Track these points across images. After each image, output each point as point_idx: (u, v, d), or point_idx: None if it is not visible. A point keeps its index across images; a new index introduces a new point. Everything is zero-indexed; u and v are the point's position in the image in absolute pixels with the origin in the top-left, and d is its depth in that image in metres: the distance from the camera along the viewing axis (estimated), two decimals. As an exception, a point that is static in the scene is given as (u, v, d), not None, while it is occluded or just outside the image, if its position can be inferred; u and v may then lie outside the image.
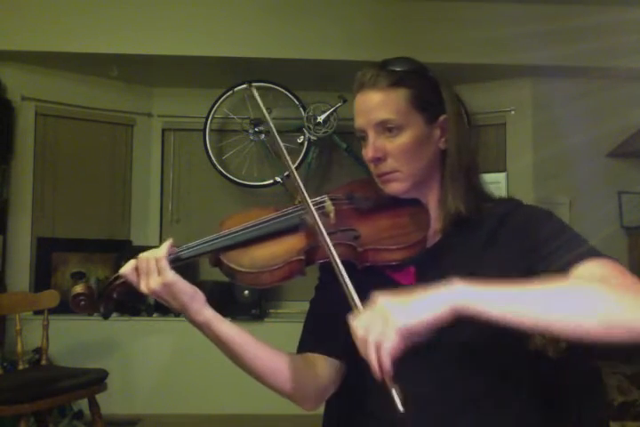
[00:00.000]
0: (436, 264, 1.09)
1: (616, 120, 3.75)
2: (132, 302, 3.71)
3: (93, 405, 2.76)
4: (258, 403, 2.99)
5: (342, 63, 3.52)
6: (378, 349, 0.82)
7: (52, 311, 3.02)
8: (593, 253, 0.96)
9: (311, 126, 3.84)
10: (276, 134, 1.14)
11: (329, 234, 1.01)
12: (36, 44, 3.51)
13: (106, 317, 1.09)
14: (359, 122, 1.12)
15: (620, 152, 3.81)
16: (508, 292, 0.87)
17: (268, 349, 1.09)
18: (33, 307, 3.15)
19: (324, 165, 4.21)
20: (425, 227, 1.11)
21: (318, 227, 1.02)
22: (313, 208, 1.04)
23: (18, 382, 2.69)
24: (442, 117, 1.12)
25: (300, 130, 3.87)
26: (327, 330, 1.15)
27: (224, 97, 3.92)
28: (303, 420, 1.69)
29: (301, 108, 3.89)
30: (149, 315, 3.80)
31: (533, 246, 1.02)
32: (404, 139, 1.09)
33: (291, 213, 1.11)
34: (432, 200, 1.15)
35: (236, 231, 1.07)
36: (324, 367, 1.14)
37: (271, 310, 3.99)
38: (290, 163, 1.11)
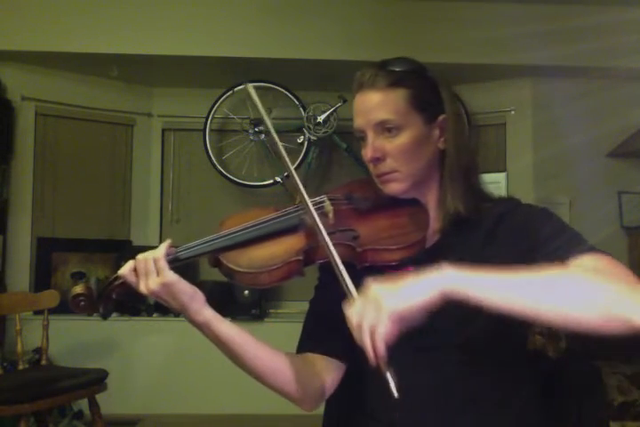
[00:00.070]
0: (435, 264, 1.09)
1: (616, 120, 3.75)
2: (132, 303, 3.71)
3: (93, 405, 2.76)
4: (258, 403, 2.99)
5: (342, 63, 3.52)
6: (372, 334, 0.84)
7: (52, 311, 3.02)
8: (591, 250, 0.97)
9: (311, 126, 3.84)
10: (273, 132, 1.14)
11: (328, 234, 1.01)
12: (36, 44, 3.51)
13: (105, 317, 1.09)
14: (358, 122, 1.12)
15: (620, 152, 3.81)
16: (499, 278, 0.88)
17: (267, 349, 1.09)
18: (33, 307, 3.15)
19: (324, 165, 4.21)
20: (424, 227, 1.11)
21: (317, 227, 1.02)
22: (312, 208, 1.04)
23: (18, 382, 2.69)
24: (441, 117, 1.12)
25: (300, 130, 3.87)
26: (327, 330, 1.15)
27: (224, 97, 3.92)
28: (303, 420, 1.69)
29: (301, 108, 3.89)
30: (149, 315, 3.80)
31: (533, 246, 1.02)
32: (403, 139, 1.09)
33: (290, 213, 1.11)
34: (431, 200, 1.15)
35: (235, 232, 1.07)
36: (323, 367, 1.14)
37: (271, 310, 3.99)
38: (287, 161, 1.11)
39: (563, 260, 0.95)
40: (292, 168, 1.11)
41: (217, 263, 1.06)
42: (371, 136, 1.10)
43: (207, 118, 3.95)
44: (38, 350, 3.14)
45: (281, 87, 3.89)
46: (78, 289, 1.05)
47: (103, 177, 4.14)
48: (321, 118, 3.82)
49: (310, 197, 1.07)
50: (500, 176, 3.85)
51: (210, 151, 3.96)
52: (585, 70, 3.67)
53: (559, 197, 3.78)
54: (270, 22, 3.61)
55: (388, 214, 1.12)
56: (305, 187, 1.07)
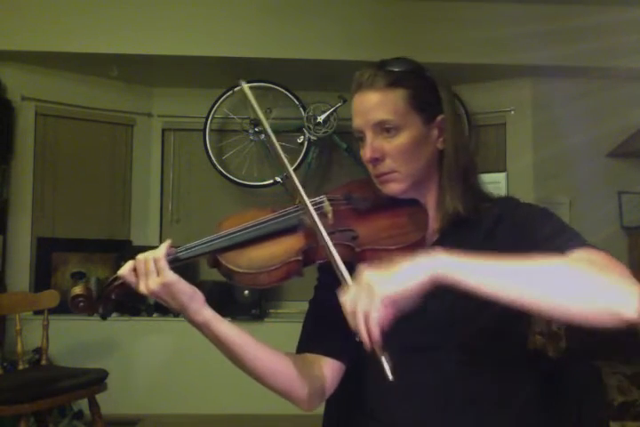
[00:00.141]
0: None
1: (616, 120, 3.75)
2: (132, 303, 3.71)
3: (93, 405, 2.76)
4: (258, 403, 2.99)
5: (342, 63, 3.52)
6: (366, 319, 0.85)
7: (52, 311, 3.02)
8: (588, 246, 0.97)
9: (311, 126, 3.84)
10: (270, 132, 1.13)
11: (327, 234, 1.01)
12: (36, 44, 3.51)
13: (104, 317, 1.09)
14: (357, 122, 1.12)
15: (620, 152, 3.81)
16: (490, 264, 0.88)
17: (267, 349, 1.09)
18: (33, 307, 3.15)
19: (323, 165, 4.22)
20: (423, 227, 1.11)
21: (317, 227, 1.02)
22: (312, 208, 1.04)
23: (18, 382, 2.70)
24: (439, 117, 1.12)
25: (300, 130, 3.87)
26: (326, 330, 1.15)
27: (224, 97, 3.92)
28: (303, 420, 1.69)
29: (301, 108, 3.89)
30: (149, 315, 3.80)
31: (532, 245, 1.02)
32: (401, 139, 1.09)
33: (289, 213, 1.11)
34: (430, 200, 1.15)
35: (234, 232, 1.07)
36: (323, 368, 1.14)
37: (271, 310, 3.99)
38: (285, 161, 1.10)
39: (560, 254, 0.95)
40: (290, 168, 1.11)
41: (216, 264, 1.06)
42: (369, 136, 1.10)
43: (207, 118, 3.95)
44: (38, 350, 3.14)
45: (281, 87, 3.89)
46: (77, 290, 1.05)
47: (103, 177, 4.14)
48: (321, 118, 3.82)
49: (309, 197, 1.07)
50: (500, 176, 3.85)
51: (210, 151, 3.96)
52: (585, 70, 3.67)
53: (559, 197, 3.78)
54: (270, 22, 3.61)
55: (388, 215, 1.12)
56: (305, 187, 1.07)
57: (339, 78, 3.05)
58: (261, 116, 1.13)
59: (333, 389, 1.16)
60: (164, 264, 1.01)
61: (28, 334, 3.12)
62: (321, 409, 1.23)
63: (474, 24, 3.60)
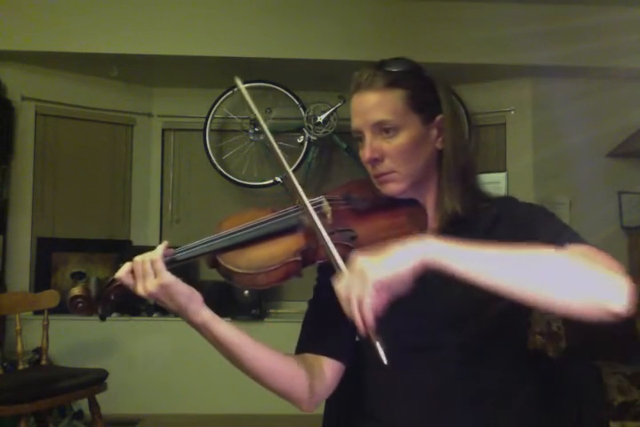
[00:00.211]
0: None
1: (616, 120, 3.75)
2: (132, 303, 3.71)
3: (93, 405, 2.76)
4: (257, 403, 2.99)
5: (342, 63, 3.52)
6: (360, 305, 0.86)
7: (52, 311, 3.02)
8: (585, 243, 0.96)
9: (311, 126, 3.84)
10: (265, 128, 1.13)
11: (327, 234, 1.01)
12: (36, 44, 3.51)
13: (103, 318, 1.09)
14: (356, 123, 1.12)
15: (620, 152, 3.81)
16: (479, 251, 0.89)
17: (266, 349, 1.09)
18: (33, 307, 3.15)
19: (324, 165, 4.22)
20: (422, 227, 1.11)
21: (316, 227, 1.02)
22: (311, 208, 1.04)
23: (18, 382, 2.69)
24: (438, 118, 1.12)
25: (300, 130, 3.87)
26: (326, 331, 1.15)
27: (224, 97, 3.92)
28: (303, 420, 1.69)
29: (301, 108, 3.89)
30: (149, 315, 3.80)
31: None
32: (400, 139, 1.09)
33: (288, 213, 1.11)
34: (429, 200, 1.15)
35: (233, 233, 1.07)
36: (322, 368, 1.14)
37: (271, 310, 3.99)
38: (283, 161, 1.10)
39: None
40: (287, 166, 1.11)
41: (215, 264, 1.06)
42: (368, 137, 1.10)
43: (207, 118, 3.95)
44: (38, 350, 3.14)
45: (281, 87, 3.89)
46: (76, 291, 1.05)
47: (103, 177, 4.14)
48: (321, 118, 3.82)
49: (309, 197, 1.07)
50: (500, 176, 3.85)
51: (210, 151, 3.96)
52: (585, 70, 3.67)
53: (559, 197, 3.78)
54: (270, 22, 3.61)
55: (387, 215, 1.12)
56: (305, 187, 1.07)
57: (339, 78, 3.04)
58: (256, 112, 1.13)
59: (333, 389, 1.16)
60: (161, 266, 1.01)
61: (28, 334, 3.12)
62: (321, 409, 1.23)
63: (474, 24, 3.60)
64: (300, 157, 3.87)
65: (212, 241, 1.06)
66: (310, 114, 3.84)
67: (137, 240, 4.18)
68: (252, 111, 1.12)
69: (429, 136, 1.12)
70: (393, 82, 1.09)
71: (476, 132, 4.01)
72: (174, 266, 1.04)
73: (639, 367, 2.93)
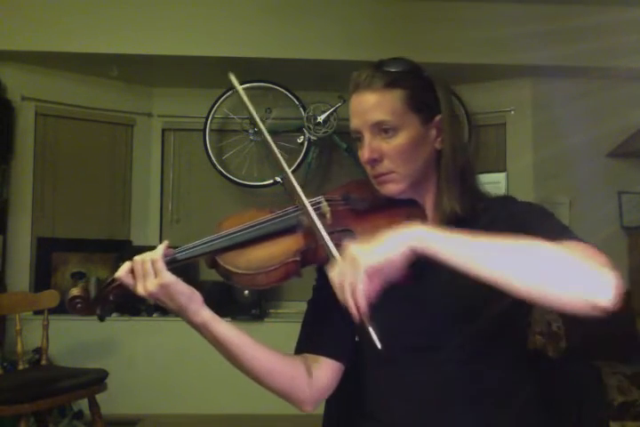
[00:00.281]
0: (432, 264, 1.09)
1: (616, 120, 3.75)
2: (132, 303, 3.71)
3: (93, 405, 2.76)
4: (257, 403, 2.99)
5: (342, 63, 3.52)
6: (353, 291, 0.87)
7: (52, 311, 3.02)
8: (580, 240, 0.96)
9: (311, 126, 3.84)
10: (264, 130, 1.13)
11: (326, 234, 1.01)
12: (36, 44, 3.51)
13: (102, 319, 1.09)
14: (355, 123, 1.12)
15: (620, 152, 3.81)
16: (468, 239, 0.90)
17: (265, 350, 1.09)
18: (33, 307, 3.15)
19: (324, 165, 4.22)
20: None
21: (316, 227, 1.02)
22: (310, 209, 1.04)
23: (18, 382, 2.69)
24: (437, 118, 1.12)
25: (300, 130, 3.87)
26: (325, 331, 1.15)
27: (224, 97, 3.92)
28: (303, 420, 1.69)
29: (301, 108, 3.89)
30: (149, 315, 3.80)
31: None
32: (399, 140, 1.09)
33: (287, 214, 1.11)
34: (428, 201, 1.15)
35: (233, 233, 1.07)
36: (321, 368, 1.14)
37: (271, 310, 3.99)
38: (282, 161, 1.10)
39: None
40: (287, 168, 1.11)
41: (214, 264, 1.06)
42: (367, 137, 1.10)
43: (207, 118, 3.95)
44: (38, 350, 3.14)
45: (281, 87, 3.89)
46: (75, 291, 1.06)
47: (103, 177, 4.14)
48: (321, 118, 3.82)
49: (308, 197, 1.07)
50: (500, 176, 3.84)
51: (210, 151, 3.96)
52: (585, 70, 3.67)
53: (559, 197, 3.78)
54: (270, 22, 3.61)
55: (386, 215, 1.12)
56: (305, 187, 1.07)
57: (339, 78, 3.03)
58: (251, 108, 1.13)
59: (332, 389, 1.16)
60: (161, 265, 1.01)
61: (28, 334, 3.12)
62: (321, 409, 1.23)
63: (474, 24, 3.60)
64: (300, 157, 3.87)
65: (211, 241, 1.06)
66: (310, 114, 3.84)
67: (137, 240, 4.18)
68: (247, 108, 1.13)
69: (428, 136, 1.12)
70: (392, 82, 1.08)
71: (475, 132, 4.01)
72: (174, 266, 1.04)
73: (639, 367, 2.93)
